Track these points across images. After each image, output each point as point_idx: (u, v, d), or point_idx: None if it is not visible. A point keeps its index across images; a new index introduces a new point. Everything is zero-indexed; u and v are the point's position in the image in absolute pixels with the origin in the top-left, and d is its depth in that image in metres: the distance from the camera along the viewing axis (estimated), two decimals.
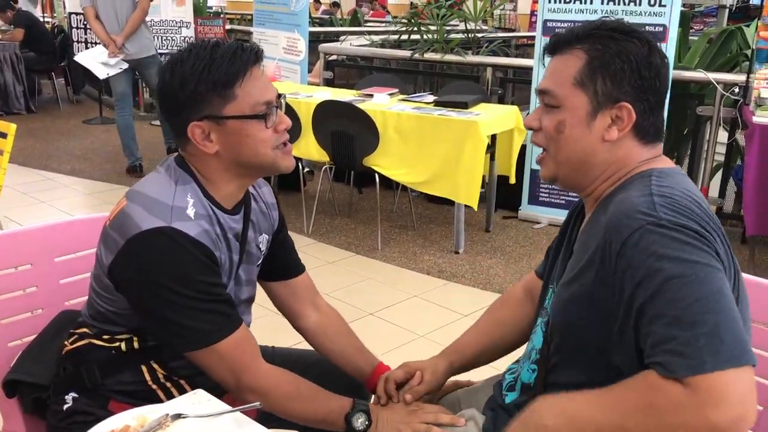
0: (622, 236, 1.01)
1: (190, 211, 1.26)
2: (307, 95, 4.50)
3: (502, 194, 4.61)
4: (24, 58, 8.00)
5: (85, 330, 1.37)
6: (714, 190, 4.52)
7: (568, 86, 1.13)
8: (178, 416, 1.08)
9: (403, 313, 3.31)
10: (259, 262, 1.48)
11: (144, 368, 1.35)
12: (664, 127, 1.18)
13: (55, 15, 10.71)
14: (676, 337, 0.93)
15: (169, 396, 1.36)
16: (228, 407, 1.14)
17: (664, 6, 3.96)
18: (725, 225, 4.55)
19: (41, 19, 9.62)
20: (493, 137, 4.22)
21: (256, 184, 1.50)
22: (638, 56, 1.11)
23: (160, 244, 1.21)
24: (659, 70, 1.13)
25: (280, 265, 1.57)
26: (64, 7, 8.52)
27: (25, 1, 9.41)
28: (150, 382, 1.35)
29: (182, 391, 1.36)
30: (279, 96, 1.32)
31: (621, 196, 1.08)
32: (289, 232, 1.61)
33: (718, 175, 4.59)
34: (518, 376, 1.28)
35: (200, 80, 1.23)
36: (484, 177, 4.54)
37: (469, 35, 5.77)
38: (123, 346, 1.33)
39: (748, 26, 5.06)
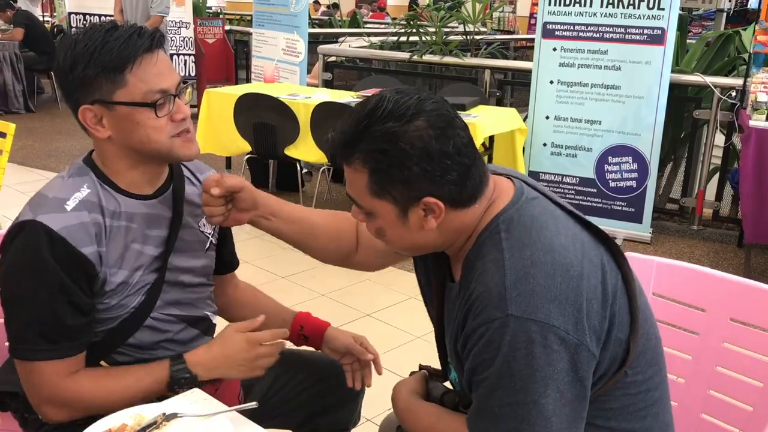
0: (473, 324, 1.04)
1: (72, 203, 1.23)
2: (306, 96, 4.51)
3: None
4: (23, 57, 8.00)
5: None
6: (710, 193, 4.54)
7: (367, 198, 1.09)
8: (174, 415, 1.09)
9: (400, 315, 3.32)
10: (207, 247, 1.45)
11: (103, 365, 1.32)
12: (485, 172, 1.11)
13: (55, 14, 10.72)
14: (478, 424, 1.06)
15: None
16: (224, 407, 1.15)
17: (663, 9, 3.98)
18: (721, 228, 4.58)
19: (41, 19, 9.63)
20: (491, 140, 4.23)
21: (196, 170, 1.46)
22: (414, 156, 1.03)
23: (15, 238, 1.21)
24: (443, 150, 1.04)
25: (221, 260, 1.54)
26: (65, 7, 8.54)
27: (25, 1, 9.40)
28: None
29: None
30: (182, 83, 1.29)
31: (479, 269, 1.06)
32: None
33: (715, 179, 4.61)
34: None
35: (90, 63, 1.20)
36: None
37: (468, 37, 5.79)
38: None
39: (745, 30, 5.07)
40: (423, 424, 1.21)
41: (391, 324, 3.21)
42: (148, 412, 1.10)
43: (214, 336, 1.49)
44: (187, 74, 7.54)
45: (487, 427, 1.04)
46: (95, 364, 1.32)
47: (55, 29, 9.12)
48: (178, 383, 1.24)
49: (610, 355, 1.07)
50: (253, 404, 1.16)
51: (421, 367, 1.37)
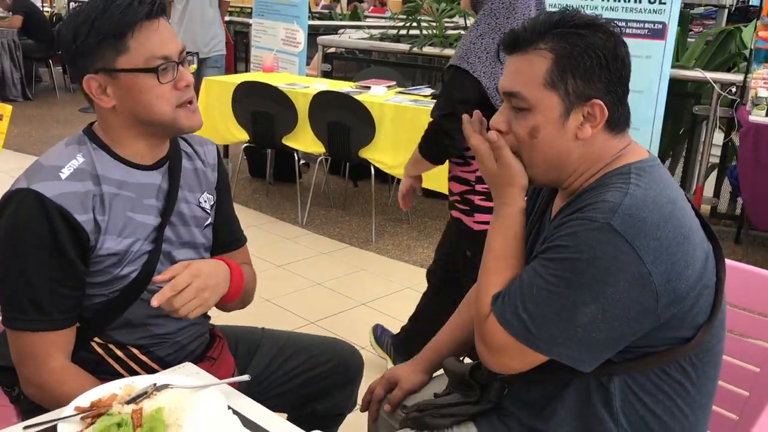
0: (571, 216, 1.07)
1: (66, 171, 1.22)
2: (305, 86, 4.49)
3: None
4: (22, 45, 7.97)
5: None
6: (709, 189, 4.53)
7: (538, 88, 1.10)
8: (165, 386, 1.08)
9: (396, 304, 3.31)
10: (206, 224, 1.43)
11: (94, 344, 1.32)
12: (629, 112, 1.18)
13: (54, 4, 10.68)
14: (516, 300, 1.09)
15: (128, 369, 1.33)
16: (216, 380, 1.14)
17: (664, 3, 3.96)
18: (719, 224, 4.57)
19: (40, 8, 9.59)
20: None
21: (197, 143, 1.45)
22: (605, 50, 1.10)
23: (7, 206, 1.21)
24: (624, 60, 1.13)
25: (217, 237, 1.49)
26: None
27: None
28: (105, 356, 1.32)
29: (140, 363, 1.34)
30: (184, 52, 1.28)
31: (600, 193, 1.09)
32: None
33: (713, 175, 4.60)
34: None
35: (91, 30, 1.21)
36: None
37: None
38: None
39: (746, 26, 5.06)
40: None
41: (386, 314, 3.20)
42: (140, 382, 1.08)
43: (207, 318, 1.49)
44: None
45: (522, 301, 1.08)
46: (90, 338, 1.31)
47: (54, 18, 9.08)
48: None
49: (676, 332, 1.07)
50: (245, 377, 1.15)
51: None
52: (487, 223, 2.28)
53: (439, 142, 2.10)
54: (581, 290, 1.03)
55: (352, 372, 1.65)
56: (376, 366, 2.67)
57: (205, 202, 1.43)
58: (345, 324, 3.05)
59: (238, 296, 1.36)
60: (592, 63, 1.09)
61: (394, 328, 3.04)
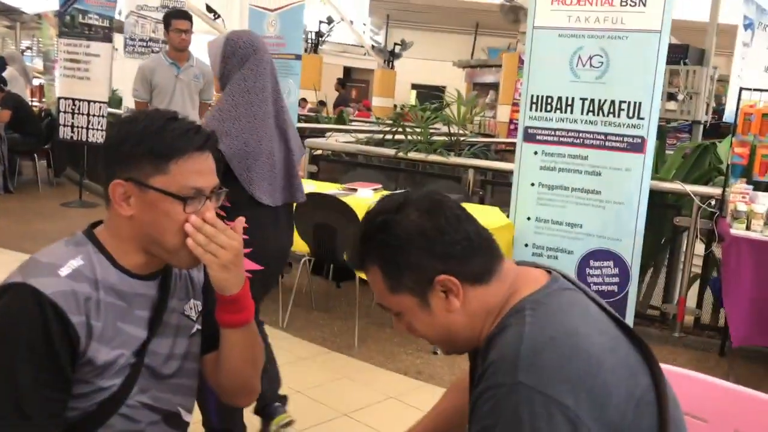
0: (481, 389, 1.03)
1: (65, 270, 1.19)
2: None
3: None
4: (8, 139, 8.02)
5: None
6: (692, 300, 4.54)
7: (389, 296, 1.16)
8: None
9: (379, 415, 3.19)
10: (192, 333, 1.39)
11: None
12: (495, 248, 1.16)
13: (44, 99, 10.84)
14: None
15: None
16: None
17: (642, 119, 4.10)
18: (702, 336, 4.54)
19: (30, 103, 9.72)
20: None
21: None
22: (412, 238, 1.10)
23: (2, 301, 1.16)
24: (438, 226, 1.11)
25: (210, 336, 1.42)
26: (54, 93, 8.63)
27: (19, 84, 9.43)
28: None
29: None
30: (218, 188, 1.28)
31: (499, 341, 1.07)
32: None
33: (696, 286, 4.62)
34: None
35: (140, 143, 1.22)
36: None
37: (452, 138, 5.91)
38: None
39: (720, 142, 5.24)
40: None
41: (368, 425, 3.07)
42: None
43: None
44: None
45: None
46: None
47: (43, 113, 9.20)
48: None
49: None
50: None
51: None
52: None
53: None
54: None
55: None
56: None
57: (191, 309, 1.40)
58: None
59: (247, 315, 1.34)
60: (408, 258, 1.11)
61: None
